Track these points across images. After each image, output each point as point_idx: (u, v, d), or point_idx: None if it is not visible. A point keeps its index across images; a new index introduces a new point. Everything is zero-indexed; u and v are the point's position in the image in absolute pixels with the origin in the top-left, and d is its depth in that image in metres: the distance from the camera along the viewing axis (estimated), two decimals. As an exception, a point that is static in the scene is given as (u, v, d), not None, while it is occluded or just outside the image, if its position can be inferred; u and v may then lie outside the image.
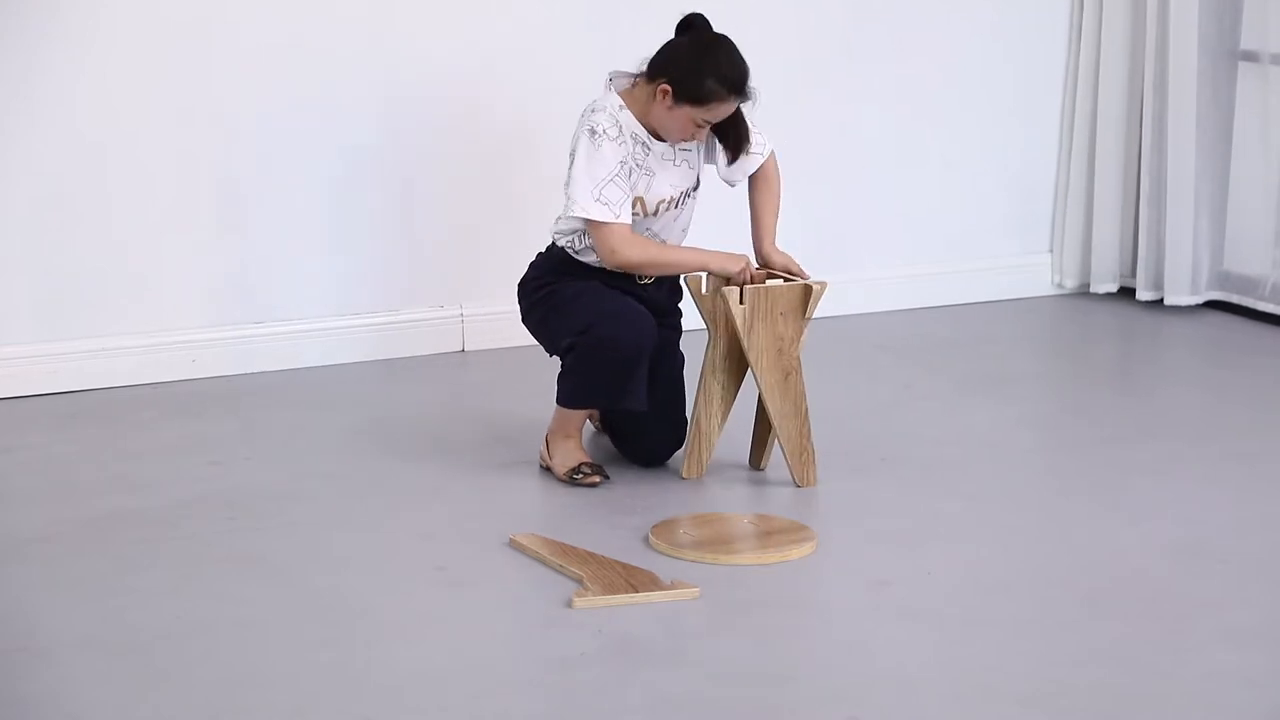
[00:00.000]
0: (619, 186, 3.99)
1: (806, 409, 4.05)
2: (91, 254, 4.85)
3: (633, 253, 4.02)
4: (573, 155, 4.04)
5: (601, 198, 3.98)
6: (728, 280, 4.03)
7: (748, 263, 4.04)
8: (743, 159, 4.17)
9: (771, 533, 3.84)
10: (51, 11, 4.71)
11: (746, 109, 4.11)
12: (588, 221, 4.00)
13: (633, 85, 4.07)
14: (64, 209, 4.81)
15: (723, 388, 4.10)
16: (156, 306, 4.94)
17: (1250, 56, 5.61)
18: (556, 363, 4.24)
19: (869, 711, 3.09)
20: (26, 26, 4.69)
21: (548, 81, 5.21)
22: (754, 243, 4.21)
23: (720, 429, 4.13)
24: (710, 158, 4.20)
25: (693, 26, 4.05)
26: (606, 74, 4.11)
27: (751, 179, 4.22)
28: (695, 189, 4.17)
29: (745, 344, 4.00)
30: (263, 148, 4.97)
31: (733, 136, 4.12)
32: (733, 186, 4.23)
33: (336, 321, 5.13)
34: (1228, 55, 5.63)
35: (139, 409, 4.71)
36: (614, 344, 4.02)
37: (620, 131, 4.02)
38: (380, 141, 5.09)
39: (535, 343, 4.62)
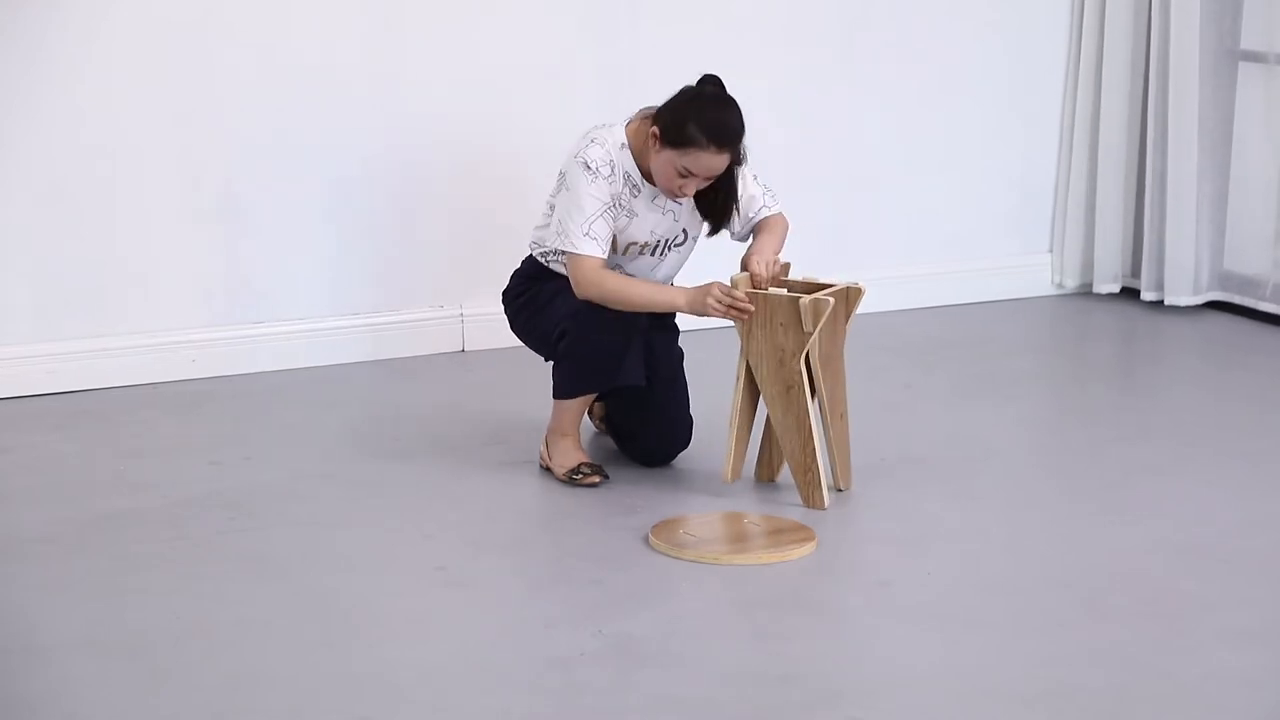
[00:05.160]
0: (605, 222, 4.01)
1: (811, 429, 3.95)
2: (91, 254, 4.85)
3: (606, 291, 3.98)
4: (564, 182, 4.04)
5: (591, 232, 3.99)
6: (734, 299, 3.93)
7: (719, 294, 3.91)
8: (753, 219, 4.15)
9: (771, 533, 3.84)
10: (52, 12, 4.71)
11: (745, 180, 4.10)
12: (569, 255, 4.00)
13: (640, 122, 4.07)
14: (64, 209, 4.81)
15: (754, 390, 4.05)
16: (156, 306, 4.94)
17: (1251, 56, 5.61)
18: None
19: (869, 711, 3.09)
20: (27, 27, 4.69)
21: (548, 82, 5.22)
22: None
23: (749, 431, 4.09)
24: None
25: (704, 83, 4.04)
26: (638, 108, 4.10)
27: (760, 224, 4.18)
28: (681, 243, 4.16)
29: (745, 348, 3.97)
30: (263, 147, 4.97)
31: (717, 206, 4.09)
32: (743, 241, 4.21)
33: (336, 321, 5.13)
34: (1228, 55, 5.63)
35: (139, 409, 4.71)
36: (605, 320, 4.01)
37: (612, 171, 4.02)
38: (380, 141, 5.10)
39: (535, 343, 4.63)
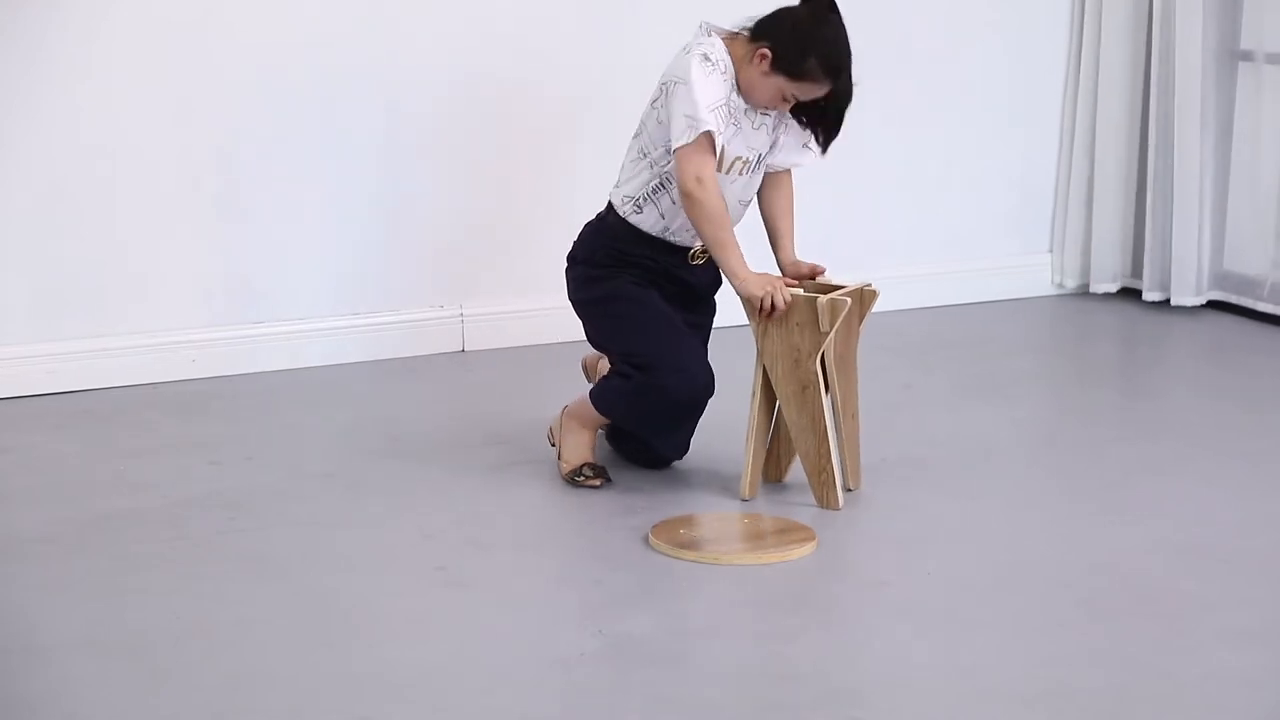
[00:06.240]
0: (720, 117, 3.90)
1: (826, 429, 3.94)
2: (91, 254, 4.85)
3: (709, 195, 3.86)
4: (679, 80, 3.89)
5: (708, 120, 3.86)
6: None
7: (774, 291, 3.87)
8: (803, 151, 4.11)
9: (771, 532, 3.84)
10: (52, 12, 4.71)
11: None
12: (684, 146, 3.85)
13: (732, 38, 3.98)
14: (64, 208, 4.81)
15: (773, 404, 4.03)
16: (156, 306, 4.94)
17: (1251, 56, 5.61)
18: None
19: (869, 711, 3.09)
20: (27, 27, 4.69)
21: (549, 81, 5.22)
22: (775, 248, 4.15)
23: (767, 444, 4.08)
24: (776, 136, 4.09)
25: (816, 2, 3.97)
26: (699, 23, 4.00)
27: (773, 179, 4.14)
28: (764, 158, 4.06)
29: (759, 348, 3.97)
30: (263, 147, 4.98)
31: (827, 123, 4.03)
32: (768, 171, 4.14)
33: (336, 321, 5.13)
34: (1228, 55, 5.64)
35: (139, 409, 4.71)
36: (669, 396, 3.98)
37: (726, 69, 3.93)
38: (380, 141, 5.10)
39: (535, 343, 4.64)
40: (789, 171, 4.15)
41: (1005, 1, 5.79)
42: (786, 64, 3.90)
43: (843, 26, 3.96)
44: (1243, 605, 3.52)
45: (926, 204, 5.79)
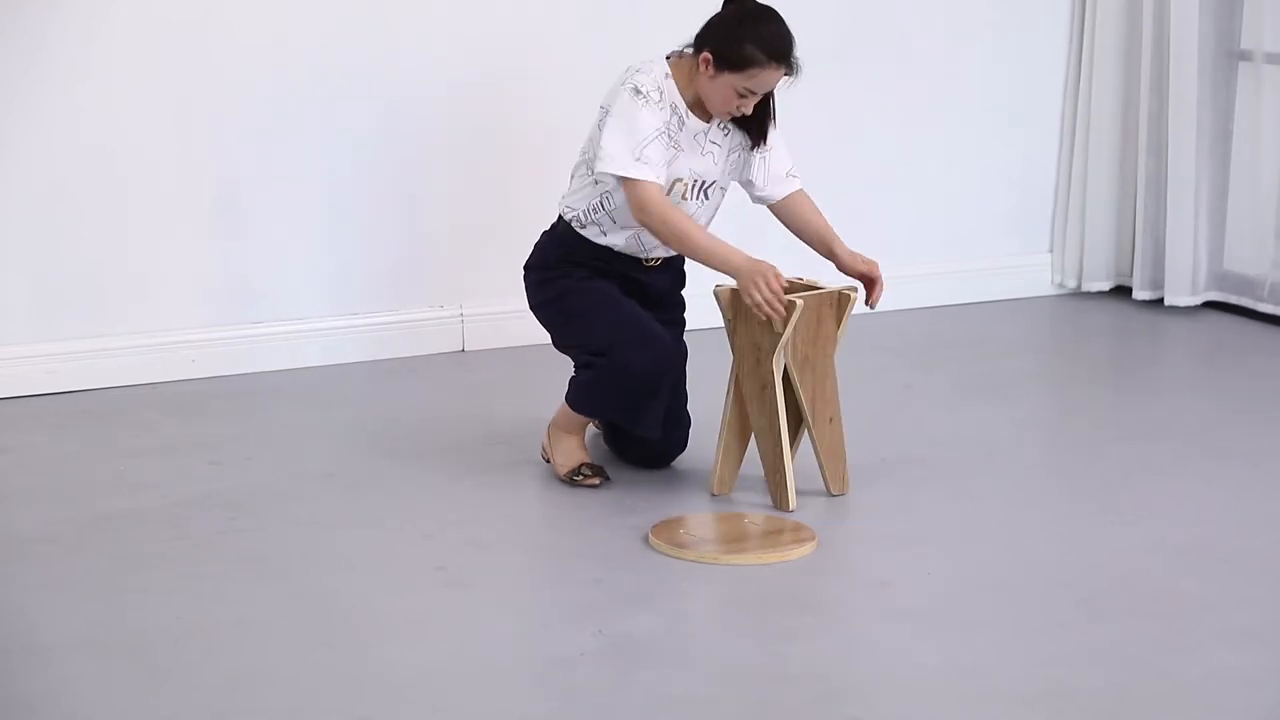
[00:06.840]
0: (658, 148, 3.93)
1: (781, 428, 3.91)
2: (91, 254, 4.85)
3: (653, 218, 3.90)
4: (608, 111, 3.97)
5: (643, 157, 3.91)
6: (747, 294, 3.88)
7: (771, 284, 3.82)
8: (783, 180, 4.15)
9: (771, 533, 3.84)
10: (52, 12, 4.71)
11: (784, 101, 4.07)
12: (624, 180, 3.92)
13: (679, 59, 4.03)
14: (64, 209, 4.81)
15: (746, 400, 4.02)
16: (156, 306, 4.94)
17: (1249, 56, 5.61)
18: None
19: (869, 711, 3.09)
20: (27, 27, 4.69)
21: (548, 81, 5.22)
22: (825, 251, 4.13)
23: (747, 444, 4.07)
24: (745, 174, 4.13)
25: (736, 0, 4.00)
26: (664, 55, 4.06)
27: (794, 202, 4.17)
28: (713, 187, 4.08)
29: (730, 344, 3.96)
30: (263, 147, 4.98)
31: (756, 121, 4.07)
32: (767, 204, 4.17)
33: (336, 321, 5.13)
34: (1226, 55, 5.64)
35: (139, 409, 4.71)
36: (631, 373, 3.98)
37: (661, 98, 3.96)
38: (380, 141, 5.10)
39: (535, 343, 4.63)
40: (800, 192, 4.18)
41: (1005, 1, 5.79)
42: (727, 60, 3.92)
43: (775, 13, 3.98)
44: (1243, 605, 3.52)
45: (926, 204, 5.79)
